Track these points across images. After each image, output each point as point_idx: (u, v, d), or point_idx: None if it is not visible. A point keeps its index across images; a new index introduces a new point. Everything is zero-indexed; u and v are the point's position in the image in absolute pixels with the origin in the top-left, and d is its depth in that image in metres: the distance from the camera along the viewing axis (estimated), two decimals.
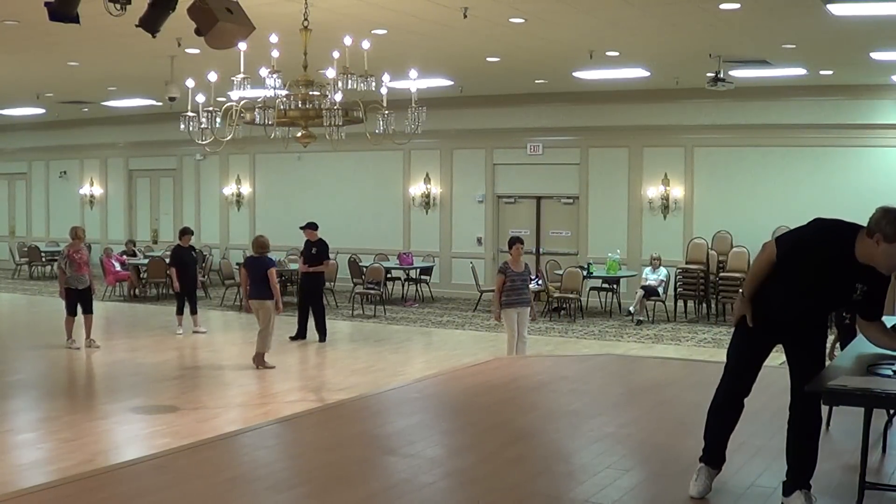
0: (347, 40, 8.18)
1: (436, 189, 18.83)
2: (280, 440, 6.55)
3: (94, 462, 6.66)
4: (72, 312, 12.09)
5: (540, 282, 16.16)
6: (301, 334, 13.19)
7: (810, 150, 15.57)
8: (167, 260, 18.14)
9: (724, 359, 4.98)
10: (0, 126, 23.54)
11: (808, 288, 4.53)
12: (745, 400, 4.93)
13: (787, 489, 4.70)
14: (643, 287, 15.27)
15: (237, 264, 16.47)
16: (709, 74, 12.78)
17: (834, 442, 5.99)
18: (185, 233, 14.36)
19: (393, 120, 8.66)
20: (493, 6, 9.61)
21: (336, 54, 8.25)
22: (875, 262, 4.34)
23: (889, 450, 5.72)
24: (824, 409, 5.92)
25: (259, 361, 10.93)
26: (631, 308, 15.27)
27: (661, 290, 15.34)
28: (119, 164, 23.15)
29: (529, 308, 10.59)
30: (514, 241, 10.75)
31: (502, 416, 6.90)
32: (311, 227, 13.49)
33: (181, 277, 13.78)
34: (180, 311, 13.81)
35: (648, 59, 13.15)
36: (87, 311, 12.13)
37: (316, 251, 13.29)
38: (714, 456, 4.99)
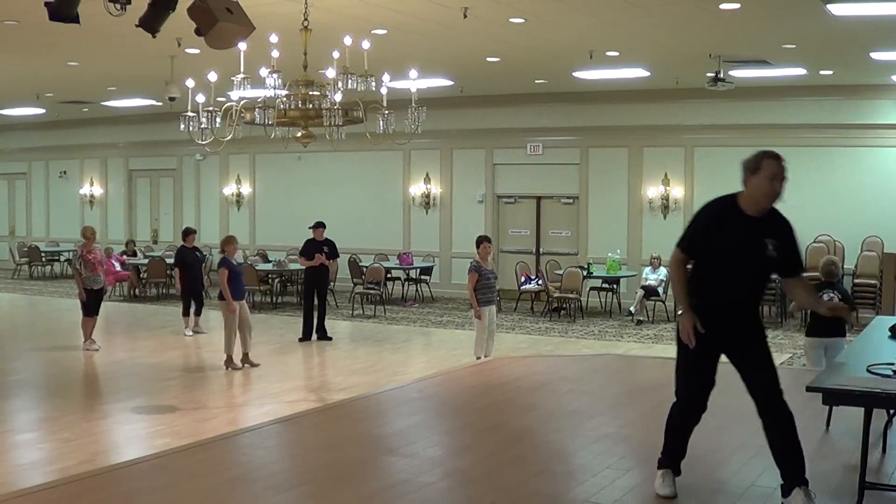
0: (347, 40, 8.18)
1: (436, 189, 18.83)
2: (280, 440, 6.55)
3: (94, 462, 6.66)
4: (88, 313, 12.05)
5: (540, 282, 16.16)
6: (308, 335, 13.16)
7: (810, 150, 15.55)
8: (168, 260, 18.23)
9: (721, 359, 4.93)
10: (0, 126, 23.54)
11: (726, 261, 4.61)
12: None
13: (785, 490, 4.69)
14: (643, 287, 15.26)
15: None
16: (709, 74, 12.78)
17: (834, 442, 5.99)
18: (189, 233, 14.27)
19: (393, 120, 8.66)
20: (493, 6, 9.61)
21: (336, 54, 8.25)
22: (756, 200, 4.67)
23: (889, 450, 5.72)
24: (824, 409, 5.94)
25: (227, 363, 10.93)
26: (631, 308, 15.27)
27: (660, 289, 15.33)
28: (119, 164, 23.16)
29: (496, 305, 10.72)
30: (483, 240, 10.83)
31: (502, 417, 6.90)
32: (322, 226, 13.49)
33: (184, 278, 13.76)
34: (186, 313, 13.78)
35: (648, 59, 13.15)
36: (95, 312, 12.10)
37: (328, 250, 13.30)
38: (675, 461, 5.01)
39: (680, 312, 4.78)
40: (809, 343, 8.77)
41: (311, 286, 13.41)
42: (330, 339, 13.18)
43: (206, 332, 13.66)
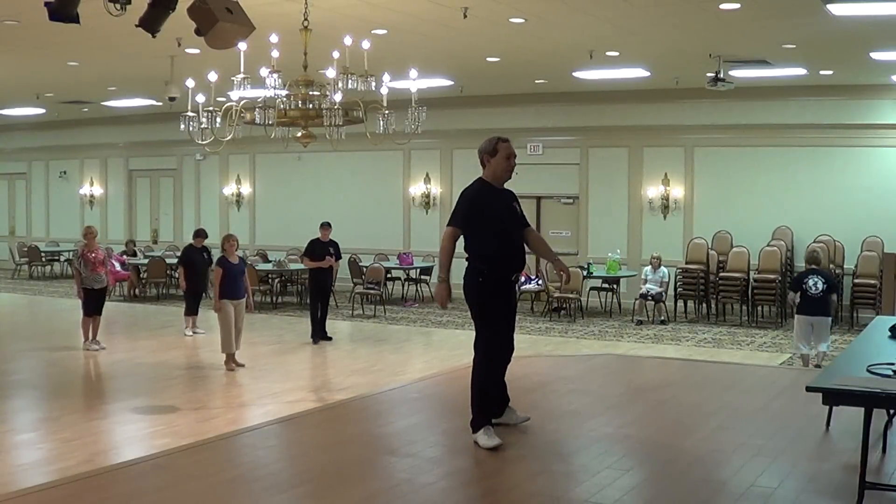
0: (347, 40, 8.18)
1: (436, 189, 18.83)
2: (280, 440, 6.55)
3: (93, 462, 6.66)
4: (88, 313, 12.05)
5: (540, 282, 16.16)
6: (317, 336, 13.14)
7: (810, 150, 15.57)
8: (168, 261, 18.23)
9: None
10: (0, 126, 23.54)
11: (499, 226, 5.89)
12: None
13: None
14: (647, 295, 15.15)
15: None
16: (709, 74, 12.78)
17: (834, 442, 6.00)
18: (198, 234, 14.28)
19: (393, 120, 8.65)
20: (493, 6, 9.62)
21: (336, 54, 8.25)
22: (498, 176, 6.04)
23: (889, 450, 5.72)
24: (824, 409, 5.95)
25: (226, 363, 10.92)
26: (640, 317, 15.16)
27: (662, 292, 15.27)
28: (119, 164, 23.16)
29: None
30: None
31: None
32: (329, 226, 13.43)
33: (189, 278, 13.75)
34: (188, 312, 13.78)
35: (648, 59, 13.15)
36: (98, 311, 12.10)
37: (333, 251, 13.24)
38: (490, 415, 6.03)
39: (440, 280, 5.92)
40: (799, 320, 10.38)
41: (317, 287, 13.33)
42: (330, 339, 13.17)
43: (205, 333, 13.65)
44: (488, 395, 5.99)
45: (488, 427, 5.89)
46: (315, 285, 13.35)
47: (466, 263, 6.02)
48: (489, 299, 5.93)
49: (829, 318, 10.44)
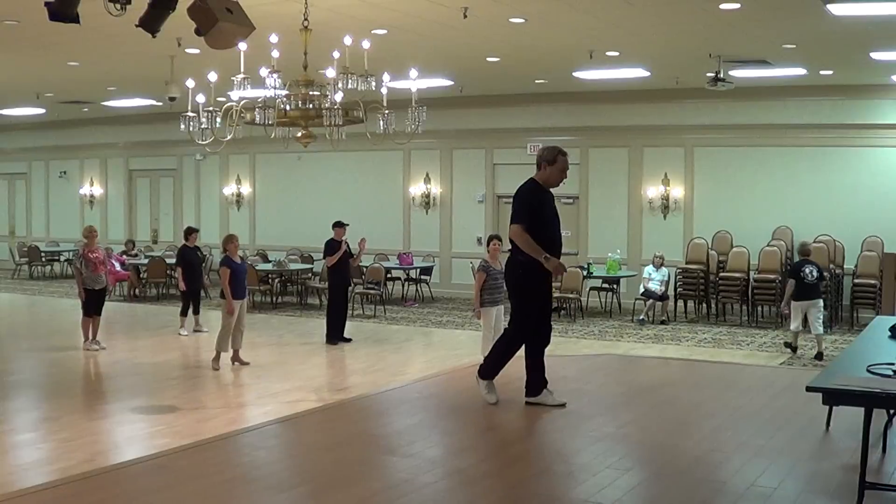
0: (347, 40, 8.18)
1: (436, 189, 18.83)
2: (280, 440, 6.55)
3: (94, 462, 6.67)
4: (88, 313, 12.05)
5: None
6: (338, 336, 13.01)
7: (810, 150, 15.56)
8: (168, 260, 18.23)
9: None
10: (0, 126, 23.54)
11: (550, 223, 6.78)
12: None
13: (535, 391, 6.83)
14: (649, 294, 15.15)
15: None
16: (709, 74, 12.78)
17: (834, 442, 5.99)
18: (191, 232, 14.26)
19: (393, 120, 8.64)
20: (493, 6, 9.62)
21: (336, 54, 8.24)
22: (551, 183, 6.91)
23: (889, 450, 5.72)
24: (824, 409, 5.95)
25: (214, 360, 10.95)
26: (641, 316, 15.17)
27: (662, 289, 15.28)
28: (119, 164, 23.16)
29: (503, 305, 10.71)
30: (492, 238, 10.70)
31: (502, 416, 6.89)
32: (342, 225, 13.19)
33: (188, 278, 13.75)
34: (184, 312, 13.77)
35: (648, 59, 13.15)
36: (97, 312, 12.10)
37: (348, 248, 13.15)
38: (495, 375, 6.88)
39: (546, 258, 6.53)
40: (794, 305, 11.76)
41: (339, 286, 13.08)
42: (349, 340, 13.02)
43: (207, 332, 13.64)
44: (504, 360, 6.79)
45: (491, 383, 6.82)
46: (337, 285, 13.08)
47: (510, 255, 6.81)
48: (528, 290, 6.66)
49: (820, 300, 12.01)
